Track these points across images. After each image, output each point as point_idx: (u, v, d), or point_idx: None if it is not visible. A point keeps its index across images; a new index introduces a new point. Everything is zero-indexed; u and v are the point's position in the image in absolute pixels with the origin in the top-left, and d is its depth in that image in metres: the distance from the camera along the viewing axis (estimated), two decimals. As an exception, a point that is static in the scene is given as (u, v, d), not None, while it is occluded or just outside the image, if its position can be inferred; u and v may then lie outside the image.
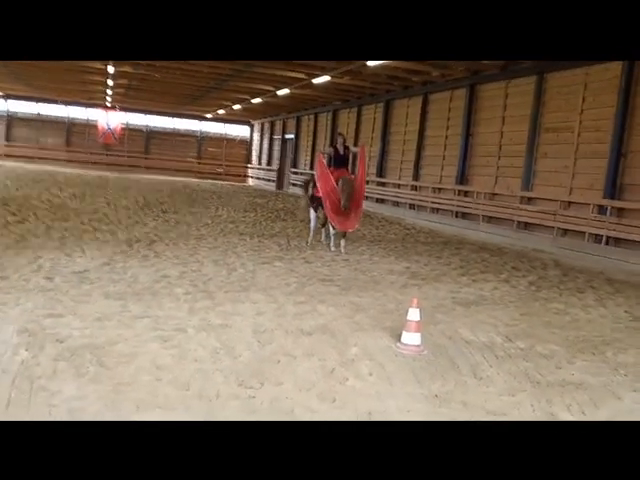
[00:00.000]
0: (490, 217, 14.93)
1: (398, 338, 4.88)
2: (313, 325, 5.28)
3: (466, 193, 16.20)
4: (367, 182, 21.66)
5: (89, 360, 3.94)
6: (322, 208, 10.27)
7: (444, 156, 17.59)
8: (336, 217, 9.95)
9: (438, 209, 17.33)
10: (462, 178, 16.43)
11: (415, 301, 4.83)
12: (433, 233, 14.86)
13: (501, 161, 15.11)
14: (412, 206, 18.63)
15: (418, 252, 10.82)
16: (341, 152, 10.42)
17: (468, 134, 16.30)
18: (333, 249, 10.05)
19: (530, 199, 13.87)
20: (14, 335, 4.32)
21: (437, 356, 4.68)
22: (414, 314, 4.77)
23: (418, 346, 4.74)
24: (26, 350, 4.03)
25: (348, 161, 10.58)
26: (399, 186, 19.83)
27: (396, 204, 19.76)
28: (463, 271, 8.92)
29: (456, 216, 16.36)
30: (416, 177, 18.86)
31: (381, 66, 15.28)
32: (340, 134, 11.14)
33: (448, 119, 17.50)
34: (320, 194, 10.19)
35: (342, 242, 10.12)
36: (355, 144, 23.21)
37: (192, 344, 4.48)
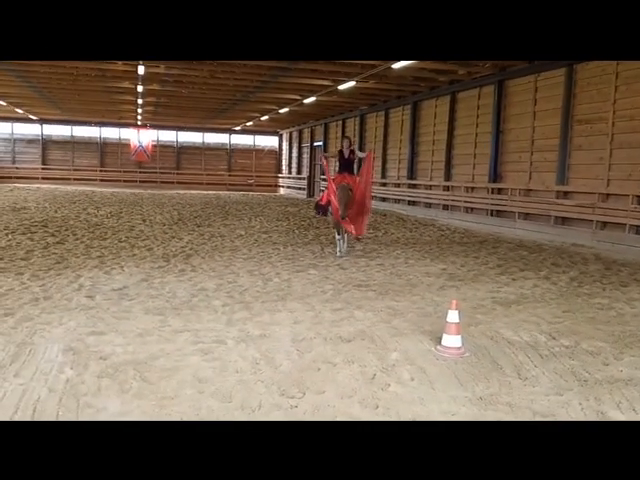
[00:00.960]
0: (526, 214, 14.68)
1: (438, 341, 4.82)
2: (351, 331, 5.26)
3: (500, 191, 15.97)
4: (398, 185, 21.73)
5: (132, 376, 3.99)
6: (331, 214, 10.27)
7: (475, 155, 17.39)
8: (348, 223, 9.91)
9: (472, 208, 17.13)
10: (495, 176, 16.21)
11: (454, 303, 4.76)
12: (468, 233, 14.69)
13: (534, 156, 14.85)
14: (445, 207, 18.45)
15: (454, 253, 10.70)
16: (346, 156, 10.37)
17: (499, 131, 16.09)
18: (339, 255, 9.86)
19: (566, 193, 13.60)
20: (59, 354, 4.40)
21: (479, 358, 4.61)
22: (454, 316, 4.70)
23: (459, 348, 4.67)
24: (71, 368, 4.10)
25: (353, 165, 10.51)
26: (431, 187, 19.68)
27: (428, 205, 19.61)
28: (501, 270, 8.78)
29: (491, 214, 16.14)
30: (448, 177, 18.70)
31: (406, 68, 15.20)
32: (346, 137, 11.05)
33: (477, 117, 17.30)
34: (323, 202, 10.26)
35: (344, 246, 10.05)
36: (384, 148, 23.23)
37: (232, 356, 4.50)
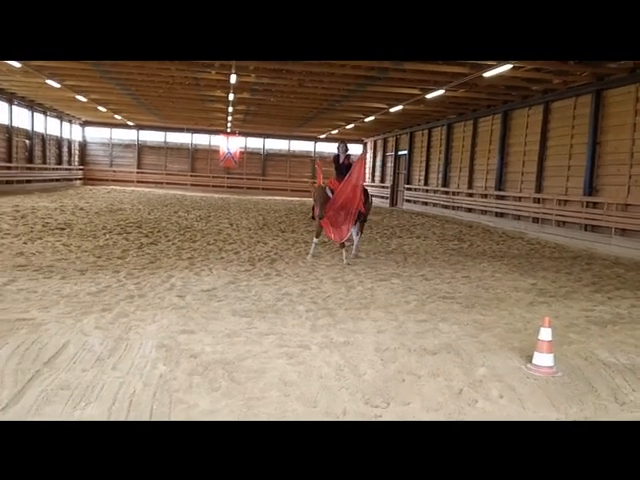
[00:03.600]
0: (623, 229, 13.90)
1: (528, 359, 4.65)
2: (436, 344, 5.17)
3: (595, 204, 15.23)
4: (485, 196, 21.17)
5: (221, 375, 4.10)
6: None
7: (569, 166, 16.67)
8: (328, 227, 9.96)
9: (564, 222, 16.41)
10: (590, 189, 15.47)
11: (547, 320, 4.57)
12: (559, 247, 14.10)
13: (634, 169, 14.03)
14: (535, 219, 17.80)
15: (544, 268, 10.29)
16: (340, 161, 10.41)
17: (595, 142, 15.34)
18: (309, 258, 10.07)
19: (669, 209, 12.79)
20: (153, 350, 4.60)
21: (573, 378, 4.40)
22: (546, 334, 4.52)
23: (551, 367, 4.48)
24: (164, 364, 4.27)
25: (348, 171, 10.25)
26: (520, 199, 19.05)
27: (517, 218, 18.98)
28: (596, 288, 8.36)
29: (585, 229, 15.39)
30: (539, 189, 18.04)
31: (498, 76, 14.83)
32: (342, 143, 10.88)
33: (572, 127, 16.60)
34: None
35: (344, 252, 9.97)
36: (472, 158, 22.75)
37: (317, 361, 4.53)
